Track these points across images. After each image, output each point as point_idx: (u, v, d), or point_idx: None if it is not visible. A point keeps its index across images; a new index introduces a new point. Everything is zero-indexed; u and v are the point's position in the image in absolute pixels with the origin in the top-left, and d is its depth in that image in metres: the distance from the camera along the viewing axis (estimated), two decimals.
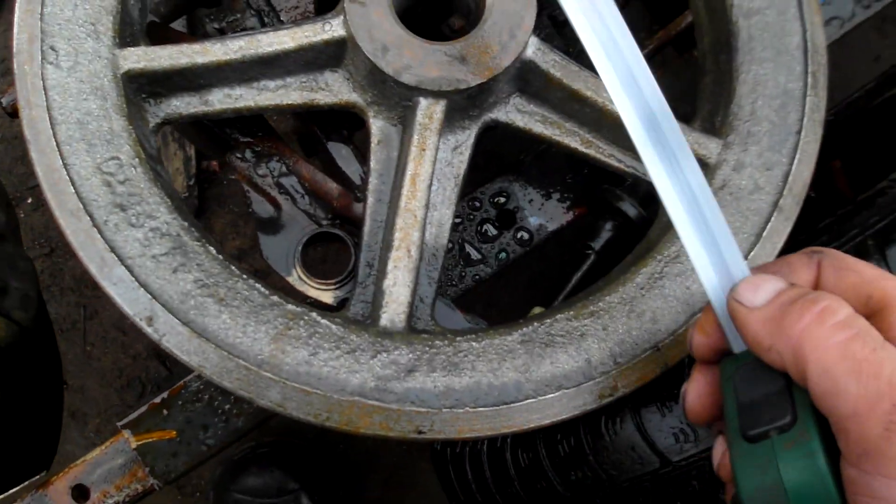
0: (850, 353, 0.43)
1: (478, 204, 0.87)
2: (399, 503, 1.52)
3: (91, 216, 0.61)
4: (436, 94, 0.65)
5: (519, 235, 0.83)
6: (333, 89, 0.71)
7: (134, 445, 0.79)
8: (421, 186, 0.66)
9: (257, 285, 0.62)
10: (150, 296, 0.59)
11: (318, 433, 1.45)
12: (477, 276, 0.82)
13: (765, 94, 0.72)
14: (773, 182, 0.70)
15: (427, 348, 0.62)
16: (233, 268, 0.62)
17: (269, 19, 0.80)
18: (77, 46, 0.66)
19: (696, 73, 0.88)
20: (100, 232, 0.61)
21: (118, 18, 0.68)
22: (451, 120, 0.70)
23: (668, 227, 0.72)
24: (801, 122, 0.71)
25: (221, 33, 0.80)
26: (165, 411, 0.80)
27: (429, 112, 0.66)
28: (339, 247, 0.73)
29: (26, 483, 0.85)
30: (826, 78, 0.73)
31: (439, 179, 0.70)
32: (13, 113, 0.90)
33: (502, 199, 0.84)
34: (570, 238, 0.85)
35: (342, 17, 0.67)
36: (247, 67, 0.68)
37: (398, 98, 0.68)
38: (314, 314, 0.62)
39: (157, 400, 0.80)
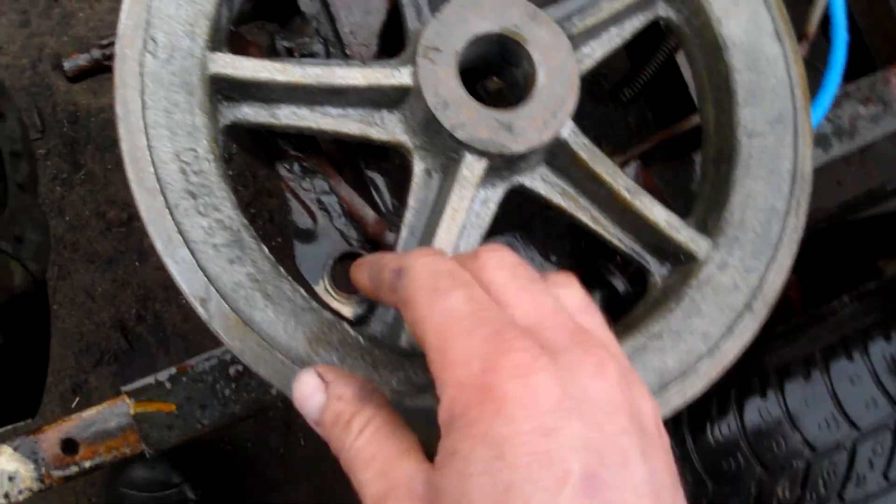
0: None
1: None
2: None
3: (165, 197, 0.67)
4: (480, 153, 0.74)
5: None
6: (387, 128, 0.79)
7: (133, 411, 0.83)
8: (454, 230, 0.74)
9: (300, 290, 0.69)
10: (206, 280, 0.66)
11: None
12: None
13: (754, 206, 0.83)
14: (750, 285, 0.81)
15: None
16: (281, 269, 0.69)
17: (335, 49, 0.88)
18: (175, 42, 0.72)
19: (689, 172, 1.00)
20: (171, 213, 0.67)
21: (213, 24, 0.75)
22: (487, 177, 0.78)
23: (654, 305, 0.82)
24: (780, 237, 0.83)
25: (289, 52, 0.87)
26: (169, 385, 0.85)
27: (472, 167, 0.75)
28: None
29: (10, 427, 0.88)
30: (807, 204, 0.85)
31: (467, 227, 0.79)
32: (73, 77, 0.95)
33: None
34: None
35: (411, 68, 0.75)
36: (317, 92, 0.76)
37: (446, 149, 0.76)
38: (345, 325, 0.69)
39: (163, 376, 0.85)
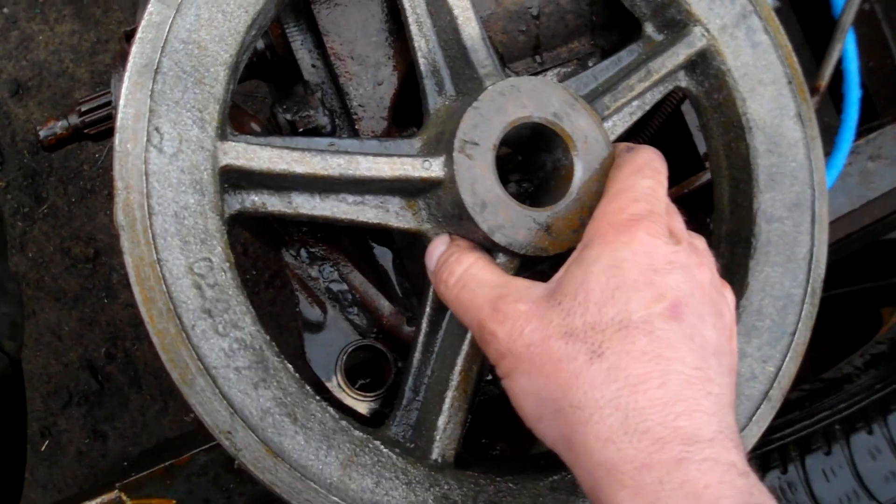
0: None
1: None
2: None
3: (179, 319, 0.62)
4: (514, 254, 0.71)
5: None
6: (407, 217, 0.75)
7: None
8: None
9: (329, 409, 0.65)
10: (231, 410, 0.61)
11: None
12: (484, 396, 0.88)
13: (772, 294, 0.83)
14: (767, 374, 0.81)
15: (473, 485, 0.67)
16: (307, 388, 0.65)
17: (342, 122, 0.83)
18: (182, 133, 0.66)
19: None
20: (187, 337, 0.62)
21: (223, 108, 0.69)
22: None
23: None
24: (796, 324, 0.82)
25: (292, 125, 0.81)
26: (169, 481, 0.80)
27: (507, 266, 0.72)
28: (380, 360, 0.77)
29: None
30: (821, 291, 0.84)
31: None
32: (49, 147, 0.87)
33: None
34: None
35: (443, 160, 0.71)
36: (336, 182, 0.71)
37: (477, 244, 0.72)
38: (377, 443, 0.66)
39: (162, 466, 0.80)
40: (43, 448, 1.39)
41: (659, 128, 1.10)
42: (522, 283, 0.64)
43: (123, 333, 1.43)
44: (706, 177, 1.08)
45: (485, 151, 0.70)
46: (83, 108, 0.85)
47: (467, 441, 0.72)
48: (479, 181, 0.69)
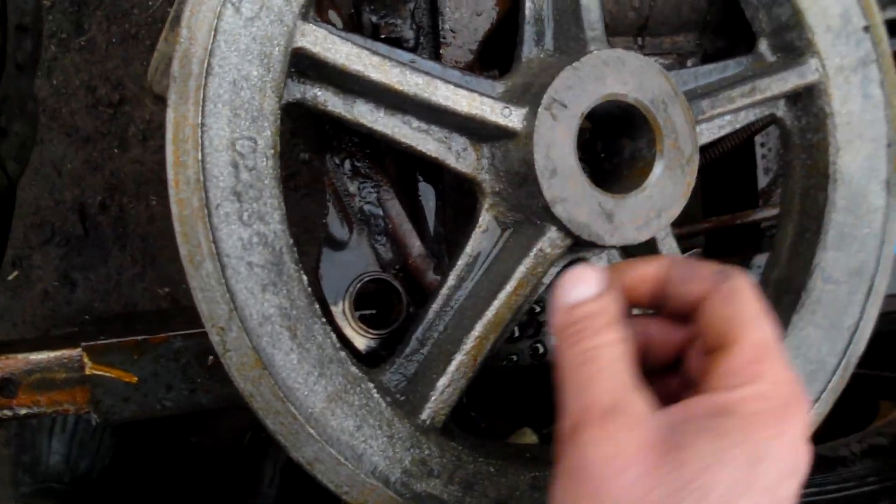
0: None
1: None
2: None
3: (206, 193, 0.57)
4: (568, 233, 0.66)
5: (534, 346, 0.86)
6: (468, 160, 0.69)
7: (88, 371, 0.74)
8: (513, 304, 0.66)
9: (332, 334, 0.60)
10: (231, 305, 0.56)
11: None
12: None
13: (806, 355, 0.78)
14: None
15: (454, 458, 0.63)
16: (316, 306, 0.60)
17: (426, 41, 0.76)
18: None
19: None
20: (208, 215, 0.56)
21: None
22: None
23: None
24: (821, 392, 0.78)
25: (375, 29, 0.75)
26: (136, 356, 0.75)
27: (554, 244, 0.67)
28: (393, 298, 0.72)
29: None
30: (854, 367, 0.80)
31: None
32: None
33: (537, 308, 0.86)
34: None
35: (525, 112, 0.65)
36: (408, 101, 0.65)
37: (530, 211, 0.67)
38: (370, 386, 0.61)
39: (134, 339, 0.75)
40: (10, 277, 1.34)
41: (730, 150, 1.05)
42: (643, 406, 0.50)
43: (124, 188, 1.37)
44: (760, 214, 1.03)
45: (571, 116, 0.64)
46: None
47: (456, 411, 0.68)
48: (556, 145, 0.64)
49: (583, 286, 0.54)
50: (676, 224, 0.98)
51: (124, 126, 1.38)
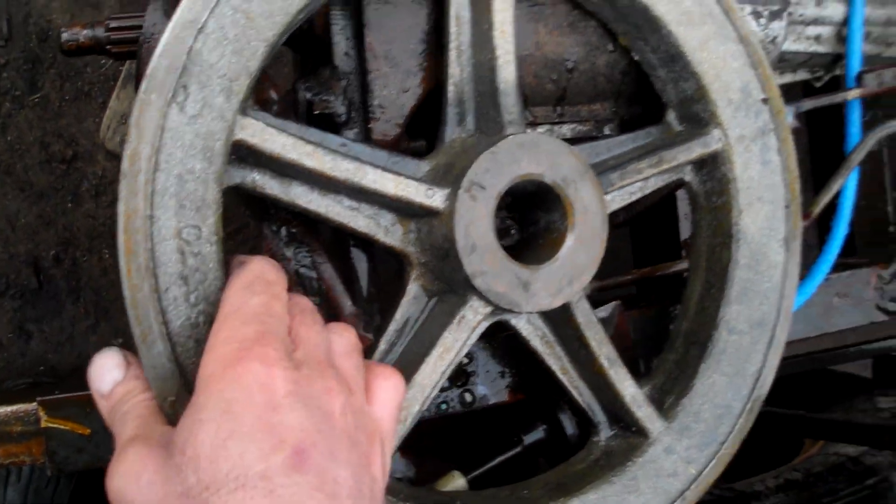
0: None
1: None
2: None
3: (156, 279, 0.62)
4: (488, 302, 0.72)
5: (464, 395, 0.92)
6: (395, 235, 0.76)
7: (44, 424, 0.78)
8: (440, 368, 0.73)
9: None
10: (183, 379, 0.62)
11: None
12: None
13: (713, 401, 0.86)
14: (688, 476, 0.84)
15: None
16: None
17: (356, 115, 0.83)
18: (208, 98, 0.66)
19: (663, 327, 1.01)
20: (158, 299, 0.62)
21: (251, 83, 0.68)
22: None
23: (594, 470, 0.83)
24: (728, 435, 0.85)
25: (309, 105, 0.81)
26: (89, 409, 0.80)
27: (476, 311, 0.73)
28: None
29: None
30: (759, 410, 0.88)
31: None
32: (68, 51, 0.86)
33: (465, 360, 0.92)
34: (504, 417, 0.95)
35: (446, 193, 0.72)
36: (339, 184, 0.72)
37: (453, 282, 0.74)
38: None
39: (88, 393, 0.80)
40: None
41: (650, 207, 1.13)
42: (157, 431, 0.58)
43: (77, 242, 1.40)
44: (681, 266, 1.11)
45: (489, 197, 0.71)
46: (112, 25, 0.84)
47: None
48: (475, 224, 0.71)
49: (108, 375, 0.64)
50: (603, 277, 1.06)
51: (77, 181, 1.42)
